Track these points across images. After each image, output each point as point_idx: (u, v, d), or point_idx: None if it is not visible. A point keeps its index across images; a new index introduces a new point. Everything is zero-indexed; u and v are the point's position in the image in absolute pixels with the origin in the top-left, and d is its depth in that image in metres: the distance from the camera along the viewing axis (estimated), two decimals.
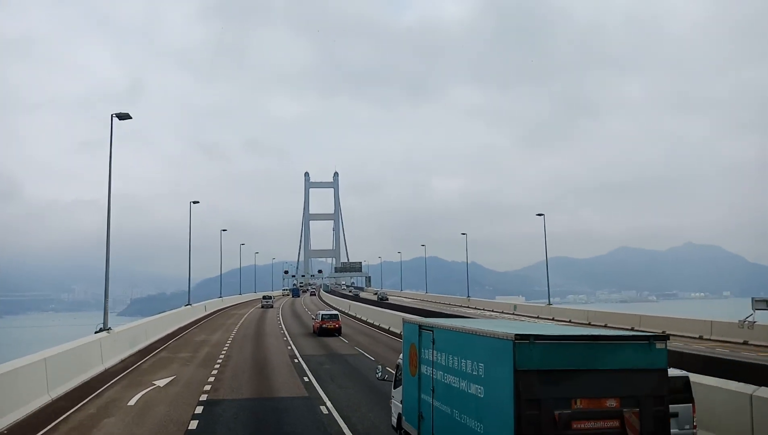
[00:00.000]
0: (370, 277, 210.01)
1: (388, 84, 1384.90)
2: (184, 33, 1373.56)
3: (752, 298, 37.67)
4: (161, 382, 22.24)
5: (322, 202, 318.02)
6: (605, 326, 47.08)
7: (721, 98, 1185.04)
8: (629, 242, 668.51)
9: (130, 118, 29.60)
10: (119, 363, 27.01)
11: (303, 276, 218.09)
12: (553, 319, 55.76)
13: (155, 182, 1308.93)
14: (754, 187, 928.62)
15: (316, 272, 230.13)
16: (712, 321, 40.39)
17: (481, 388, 8.68)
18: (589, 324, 50.24)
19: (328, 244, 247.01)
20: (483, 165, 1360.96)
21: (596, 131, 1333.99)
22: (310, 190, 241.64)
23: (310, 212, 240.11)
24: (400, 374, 12.95)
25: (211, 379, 23.05)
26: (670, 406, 8.53)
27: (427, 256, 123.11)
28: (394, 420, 13.52)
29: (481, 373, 8.74)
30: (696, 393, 11.46)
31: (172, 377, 23.48)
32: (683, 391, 11.08)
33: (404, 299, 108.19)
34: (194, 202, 60.98)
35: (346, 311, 71.83)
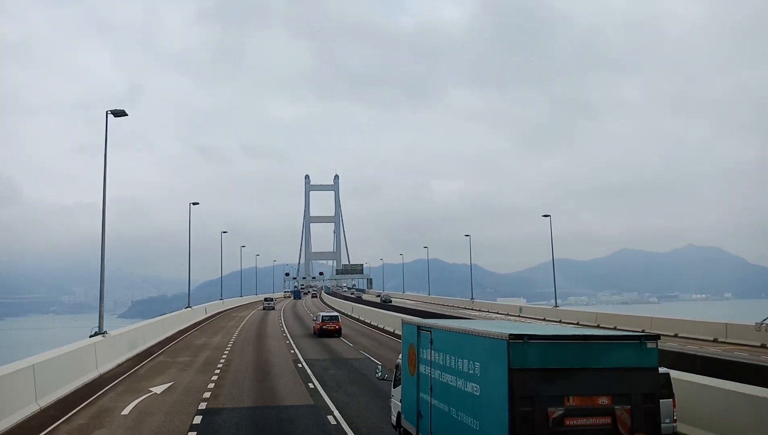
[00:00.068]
0: (371, 279, 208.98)
1: (388, 86, 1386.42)
2: (184, 35, 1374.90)
3: None
4: (158, 389, 21.06)
5: (322, 204, 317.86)
6: (614, 329, 46.16)
7: (721, 99, 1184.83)
8: (630, 244, 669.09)
9: (126, 114, 28.43)
10: (115, 368, 25.84)
11: (304, 278, 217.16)
12: (560, 322, 54.52)
13: (155, 185, 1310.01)
14: (754, 188, 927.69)
15: (317, 274, 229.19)
16: (726, 323, 39.10)
17: (477, 386, 8.93)
18: (598, 326, 49.06)
19: (329, 247, 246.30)
20: (483, 167, 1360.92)
21: (596, 132, 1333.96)
22: (311, 192, 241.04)
23: (311, 215, 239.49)
24: (400, 374, 13.21)
25: (211, 385, 21.87)
26: None
27: (427, 258, 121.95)
28: (394, 418, 13.73)
29: (477, 372, 9.00)
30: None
31: (170, 383, 22.29)
32: (664, 386, 11.68)
33: (407, 301, 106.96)
34: (194, 204, 59.85)
35: (349, 313, 70.69)
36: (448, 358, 10.13)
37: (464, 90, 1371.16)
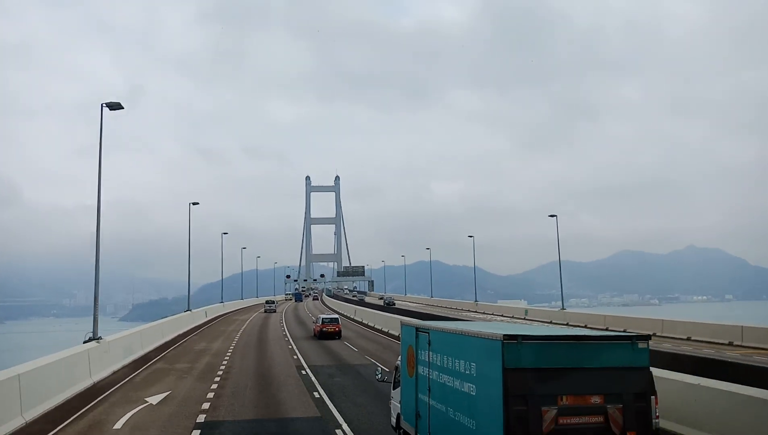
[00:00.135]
0: (372, 281, 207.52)
1: (388, 87, 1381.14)
2: (184, 37, 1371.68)
3: None
4: (154, 399, 19.84)
5: (323, 206, 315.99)
6: (624, 331, 44.97)
7: (721, 99, 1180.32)
8: (630, 245, 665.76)
9: (122, 108, 27.28)
10: (110, 375, 24.59)
11: (305, 280, 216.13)
12: (567, 324, 53.23)
13: (156, 187, 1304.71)
14: (755, 189, 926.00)
15: (318, 276, 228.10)
16: (742, 326, 37.85)
17: (473, 386, 9.07)
18: (607, 329, 47.86)
19: (330, 249, 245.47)
20: (482, 168, 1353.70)
21: (596, 133, 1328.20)
22: (311, 194, 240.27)
23: (312, 216, 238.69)
24: (399, 375, 13.32)
25: (210, 395, 20.63)
26: None
27: (428, 259, 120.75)
28: (393, 420, 13.80)
29: (473, 372, 9.14)
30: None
31: (167, 393, 21.06)
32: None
33: (409, 304, 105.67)
34: (194, 204, 58.74)
35: (352, 316, 69.56)
36: (445, 359, 10.29)
37: (464, 91, 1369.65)
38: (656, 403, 12.20)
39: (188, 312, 54.61)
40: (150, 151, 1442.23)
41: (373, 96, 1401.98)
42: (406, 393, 12.57)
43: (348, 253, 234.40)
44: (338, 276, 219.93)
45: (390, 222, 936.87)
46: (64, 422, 16.54)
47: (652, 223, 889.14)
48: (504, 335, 8.27)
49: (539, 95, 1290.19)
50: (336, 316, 52.00)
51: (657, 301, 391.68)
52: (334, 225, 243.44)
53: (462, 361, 9.54)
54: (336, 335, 43.06)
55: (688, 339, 39.22)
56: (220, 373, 26.00)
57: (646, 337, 8.87)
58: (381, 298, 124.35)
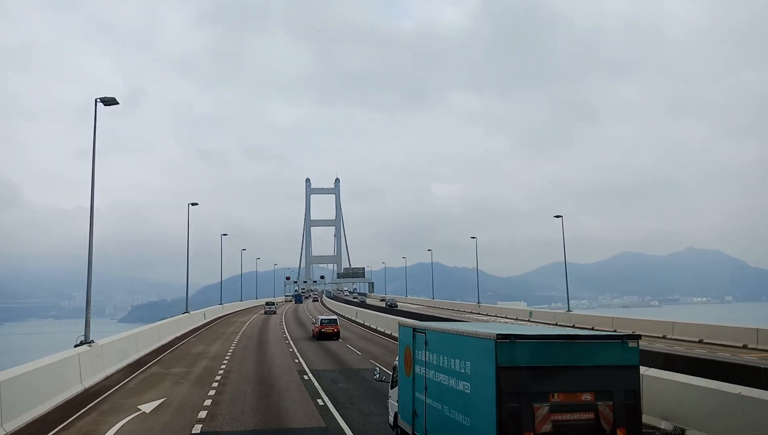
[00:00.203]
0: (373, 283, 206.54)
1: (387, 88, 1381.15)
2: (184, 38, 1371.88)
3: None
4: (147, 407, 18.61)
5: (323, 207, 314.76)
6: (633, 333, 43.78)
7: (721, 101, 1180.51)
8: (630, 247, 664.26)
9: (117, 103, 26.15)
10: (102, 381, 23.39)
11: (305, 282, 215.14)
12: (573, 326, 52.00)
13: (156, 189, 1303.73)
14: (754, 190, 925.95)
15: (317, 278, 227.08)
16: (758, 329, 36.63)
17: (468, 384, 9.28)
18: (614, 331, 46.70)
19: (329, 250, 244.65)
20: (482, 169, 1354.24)
21: (595, 135, 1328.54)
22: (312, 196, 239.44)
23: (312, 218, 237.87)
24: (397, 375, 13.49)
25: (208, 402, 19.41)
26: None
27: (428, 261, 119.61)
28: (391, 419, 14.00)
29: (467, 371, 9.34)
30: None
31: (162, 400, 19.84)
32: None
33: (411, 305, 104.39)
34: (192, 204, 57.48)
35: (353, 318, 68.44)
36: (441, 358, 10.47)
37: (464, 92, 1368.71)
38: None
39: (186, 314, 53.42)
40: (150, 152, 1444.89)
41: (373, 97, 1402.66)
42: (403, 392, 12.70)
43: (348, 255, 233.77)
44: (338, 277, 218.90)
45: (389, 223, 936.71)
46: (49, 433, 15.34)
47: (651, 224, 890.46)
48: (497, 335, 8.47)
49: (539, 96, 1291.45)
50: (334, 317, 52.14)
51: (657, 303, 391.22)
52: (333, 227, 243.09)
53: (457, 360, 9.75)
54: (334, 336, 43.31)
55: (701, 342, 38.04)
56: (218, 377, 24.80)
57: (636, 337, 9.08)
58: (382, 300, 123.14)
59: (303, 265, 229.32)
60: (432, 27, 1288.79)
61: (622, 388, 8.78)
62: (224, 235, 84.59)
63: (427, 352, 11.16)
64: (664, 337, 41.90)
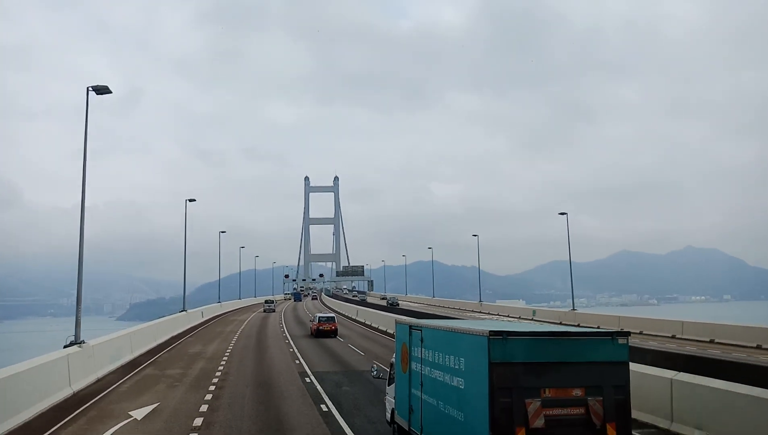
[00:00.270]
0: (372, 281, 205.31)
1: (387, 88, 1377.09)
2: (183, 38, 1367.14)
3: None
4: (139, 413, 17.38)
5: (322, 206, 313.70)
6: (640, 334, 42.74)
7: (720, 101, 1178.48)
8: (629, 246, 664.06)
9: (110, 92, 24.84)
10: (93, 383, 22.21)
11: (304, 280, 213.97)
12: (578, 325, 50.80)
13: (155, 188, 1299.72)
14: (753, 190, 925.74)
15: (317, 276, 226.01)
16: None
17: (462, 380, 9.47)
18: (622, 331, 45.48)
19: (328, 249, 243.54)
20: (482, 169, 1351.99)
21: (595, 135, 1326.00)
22: (310, 194, 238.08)
23: (311, 216, 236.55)
24: (393, 372, 13.58)
25: (204, 407, 18.18)
26: None
27: (427, 260, 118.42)
28: (388, 415, 14.13)
29: (462, 367, 9.54)
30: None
31: (155, 405, 18.61)
32: None
33: (412, 304, 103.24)
34: (190, 200, 56.33)
35: (354, 317, 67.28)
36: (436, 354, 10.63)
37: (463, 92, 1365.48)
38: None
39: (184, 312, 52.23)
40: (149, 152, 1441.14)
41: (372, 97, 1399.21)
42: (400, 388, 12.81)
43: (347, 254, 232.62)
44: (337, 276, 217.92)
45: (389, 223, 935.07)
46: None
47: (650, 223, 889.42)
48: (490, 331, 8.67)
49: (539, 96, 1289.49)
50: (332, 314, 52.39)
51: (656, 301, 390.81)
52: (332, 225, 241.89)
53: (452, 357, 9.90)
54: (332, 333, 43.82)
55: (712, 341, 36.97)
56: (215, 380, 23.57)
57: (626, 334, 9.25)
58: (383, 298, 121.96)
59: (302, 263, 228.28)
60: (431, 27, 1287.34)
61: (611, 384, 8.96)
62: (222, 232, 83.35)
63: (423, 349, 11.32)
64: (673, 337, 40.90)
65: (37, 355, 19.68)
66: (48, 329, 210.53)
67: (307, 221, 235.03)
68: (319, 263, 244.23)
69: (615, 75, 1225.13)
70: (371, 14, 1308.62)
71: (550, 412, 8.64)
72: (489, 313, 73.50)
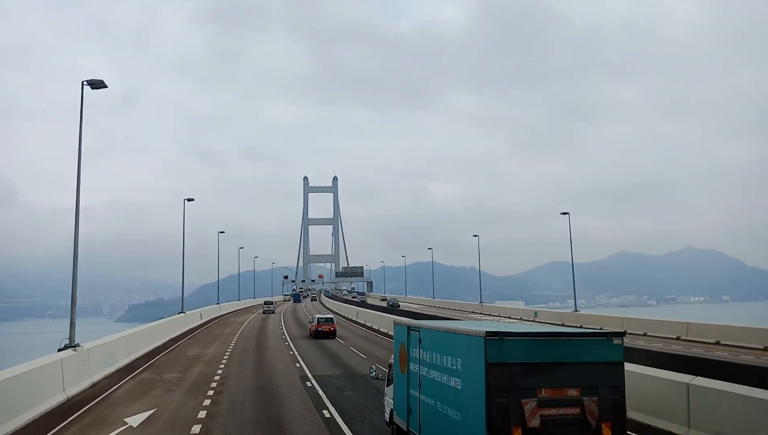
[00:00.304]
0: (371, 282, 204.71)
1: (386, 88, 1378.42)
2: (182, 38, 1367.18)
3: None
4: (135, 420, 16.75)
5: (321, 207, 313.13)
6: (644, 335, 42.18)
7: (720, 101, 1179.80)
8: (628, 247, 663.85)
9: (105, 86, 24.29)
10: (88, 388, 21.58)
11: (303, 281, 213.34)
12: (581, 327, 50.12)
13: (154, 189, 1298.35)
14: (753, 191, 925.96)
15: (316, 277, 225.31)
16: None
17: (459, 380, 9.56)
18: (625, 332, 44.91)
19: (327, 249, 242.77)
20: (481, 169, 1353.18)
21: (594, 135, 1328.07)
22: (309, 194, 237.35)
23: (310, 217, 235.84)
24: (392, 373, 13.63)
25: (202, 413, 17.55)
26: None
27: (426, 260, 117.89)
28: (387, 415, 14.14)
29: (459, 368, 9.61)
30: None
31: (151, 411, 17.98)
32: None
33: (413, 305, 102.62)
34: (188, 200, 55.98)
35: (354, 319, 66.64)
36: (434, 355, 10.65)
37: (463, 92, 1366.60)
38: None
39: (182, 314, 51.60)
40: (149, 152, 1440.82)
41: (371, 97, 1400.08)
42: (398, 389, 12.85)
43: (346, 254, 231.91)
44: (336, 277, 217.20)
45: (388, 223, 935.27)
46: None
47: (650, 224, 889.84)
48: (486, 332, 8.71)
49: (538, 96, 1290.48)
50: (331, 315, 52.66)
51: (654, 302, 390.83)
52: (332, 226, 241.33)
53: (449, 357, 9.94)
54: (331, 334, 44.25)
55: (718, 343, 36.38)
56: (213, 385, 22.94)
57: (621, 334, 9.27)
58: (383, 299, 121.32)
59: (301, 264, 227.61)
60: (431, 27, 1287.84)
61: (607, 384, 9.00)
62: (221, 232, 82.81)
63: (421, 350, 11.34)
64: (678, 338, 40.30)
65: (35, 358, 19.13)
66: (47, 331, 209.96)
67: (307, 222, 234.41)
68: (319, 264, 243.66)
69: (615, 75, 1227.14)
70: (371, 14, 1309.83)
71: (546, 412, 8.69)
72: (490, 315, 72.88)
